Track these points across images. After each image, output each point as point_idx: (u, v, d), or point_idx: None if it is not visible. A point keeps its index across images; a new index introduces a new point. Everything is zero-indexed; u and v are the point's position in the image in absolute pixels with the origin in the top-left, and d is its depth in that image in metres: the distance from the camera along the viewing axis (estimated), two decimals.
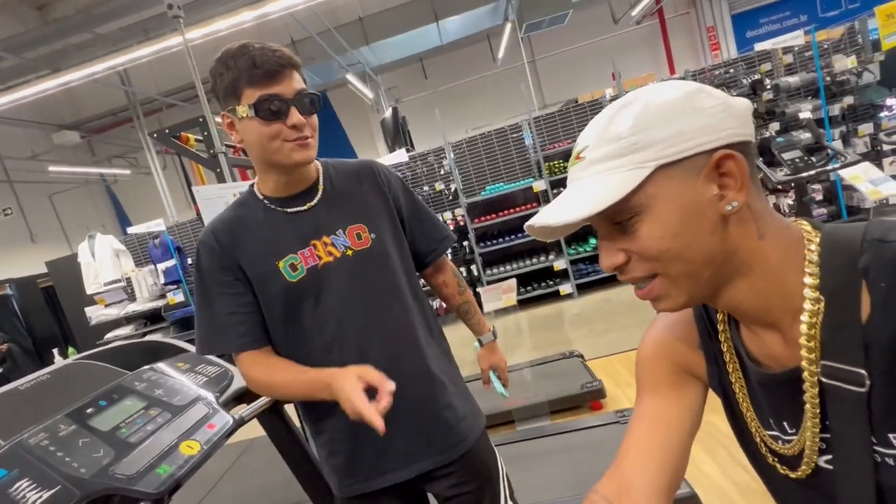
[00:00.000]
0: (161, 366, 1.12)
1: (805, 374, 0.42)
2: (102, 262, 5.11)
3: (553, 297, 4.79)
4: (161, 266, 5.00)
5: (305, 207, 0.92)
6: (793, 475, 0.46)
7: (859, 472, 0.40)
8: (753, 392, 0.49)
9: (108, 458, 0.79)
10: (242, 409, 1.15)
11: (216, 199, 1.97)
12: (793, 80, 4.30)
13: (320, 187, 0.94)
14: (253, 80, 0.82)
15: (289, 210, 0.92)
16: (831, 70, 4.32)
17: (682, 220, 0.42)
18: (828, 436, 0.43)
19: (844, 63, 4.28)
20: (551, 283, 4.78)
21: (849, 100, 4.27)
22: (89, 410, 0.88)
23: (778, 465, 0.48)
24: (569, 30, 7.48)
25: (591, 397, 2.49)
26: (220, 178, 2.12)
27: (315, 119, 0.88)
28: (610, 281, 4.77)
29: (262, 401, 1.21)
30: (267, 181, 0.92)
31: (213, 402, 1.06)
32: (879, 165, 3.87)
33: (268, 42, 0.85)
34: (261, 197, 0.93)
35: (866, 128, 4.34)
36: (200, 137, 2.20)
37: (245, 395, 1.21)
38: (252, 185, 0.96)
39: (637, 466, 0.54)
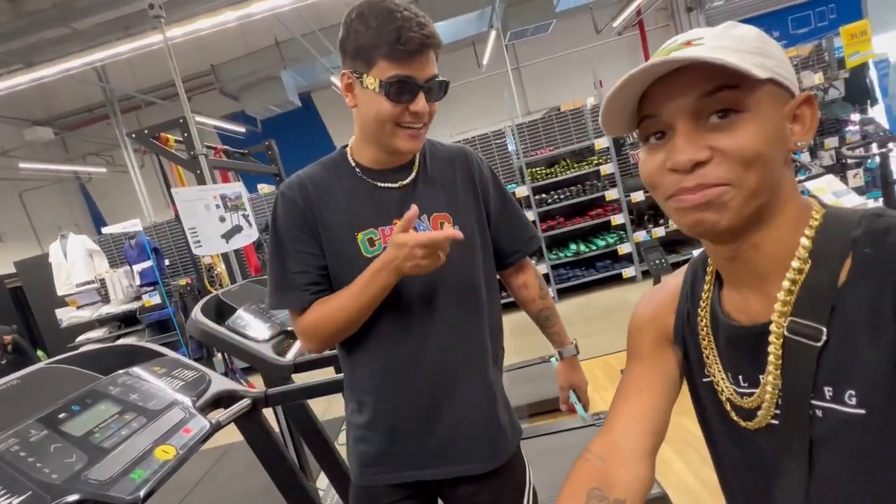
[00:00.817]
0: (136, 370, 1.10)
1: (773, 326, 0.44)
2: (75, 263, 4.96)
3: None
4: (137, 267, 4.88)
5: (397, 185, 0.88)
6: (744, 424, 0.49)
7: (798, 423, 0.43)
8: (719, 346, 0.52)
9: (81, 463, 0.78)
10: (220, 414, 1.14)
11: (196, 200, 1.95)
12: None
13: (416, 167, 0.90)
14: (392, 55, 0.76)
15: (379, 184, 0.88)
16: (800, 85, 4.49)
17: (775, 135, 0.43)
18: (782, 394, 0.45)
19: (812, 79, 4.48)
20: None
21: None
22: (61, 415, 0.87)
23: (735, 417, 0.50)
24: (552, 38, 7.61)
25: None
26: (201, 180, 2.10)
27: (436, 106, 0.84)
28: (589, 286, 4.86)
29: (240, 405, 1.20)
30: (364, 150, 0.89)
31: (189, 406, 1.05)
32: (843, 178, 4.06)
33: (414, 9, 0.78)
34: (353, 163, 0.89)
35: (832, 141, 4.54)
36: (181, 138, 2.18)
37: (222, 400, 1.20)
38: (345, 148, 0.92)
39: (624, 429, 0.58)
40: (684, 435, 2.12)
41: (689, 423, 2.19)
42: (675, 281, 0.61)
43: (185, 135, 2.13)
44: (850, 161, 4.19)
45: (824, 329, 0.42)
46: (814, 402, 0.42)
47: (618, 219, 4.69)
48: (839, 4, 9.03)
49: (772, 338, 0.45)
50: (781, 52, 0.45)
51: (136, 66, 7.30)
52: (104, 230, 4.67)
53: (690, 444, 2.04)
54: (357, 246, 0.86)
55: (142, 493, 0.79)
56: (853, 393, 0.40)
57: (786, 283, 0.44)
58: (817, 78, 4.47)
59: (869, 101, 4.65)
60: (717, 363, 0.52)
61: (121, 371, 1.07)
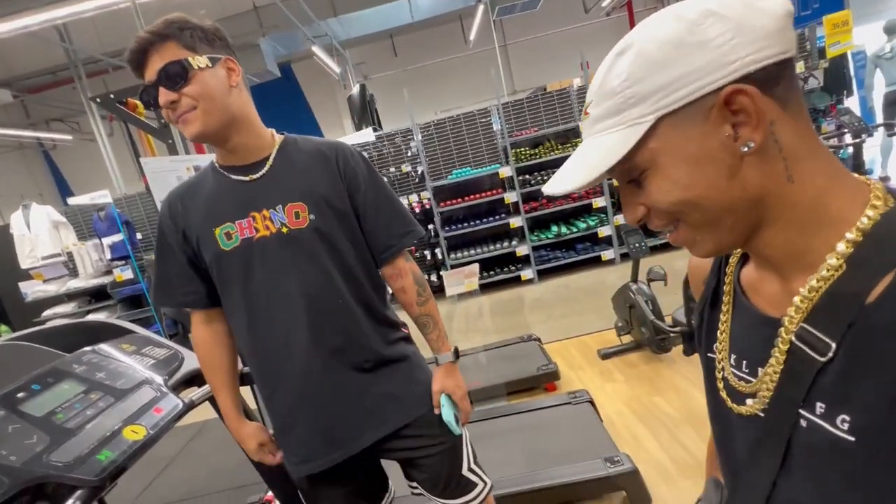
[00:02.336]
0: (103, 347, 1.06)
1: (783, 329, 0.41)
2: (39, 234, 4.74)
3: (514, 282, 4.89)
4: (107, 241, 4.69)
5: (248, 179, 0.93)
6: (730, 405, 0.48)
7: (780, 426, 0.42)
8: (733, 326, 0.49)
9: (42, 444, 0.75)
10: (193, 392, 1.12)
11: (167, 171, 1.86)
12: None
13: (269, 162, 0.93)
14: (133, 71, 0.86)
15: (233, 177, 0.93)
16: None
17: (690, 170, 0.39)
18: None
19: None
20: (513, 268, 4.87)
21: None
22: (20, 395, 0.83)
23: (725, 396, 0.49)
24: (540, 16, 7.48)
25: (547, 379, 2.58)
26: (172, 150, 2.00)
27: (192, 88, 0.83)
28: (569, 268, 4.92)
29: None
30: (216, 150, 0.95)
31: (161, 385, 1.02)
32: None
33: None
34: (216, 165, 0.96)
35: None
36: None
37: (196, 378, 1.17)
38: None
39: None
40: (656, 413, 2.20)
41: (661, 402, 2.26)
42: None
43: None
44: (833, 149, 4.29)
45: (833, 345, 0.38)
46: (802, 411, 0.40)
47: (599, 201, 4.72)
48: None
49: (778, 340, 0.42)
50: (683, 49, 0.37)
51: (101, 26, 6.85)
52: (70, 201, 4.46)
53: (662, 421, 2.12)
54: (215, 239, 0.91)
55: (109, 474, 0.77)
56: (846, 419, 0.37)
57: (806, 288, 0.39)
58: (798, 67, 4.52)
59: (845, 92, 4.75)
60: (726, 341, 0.49)
61: (87, 348, 1.03)
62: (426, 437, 1.00)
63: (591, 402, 2.11)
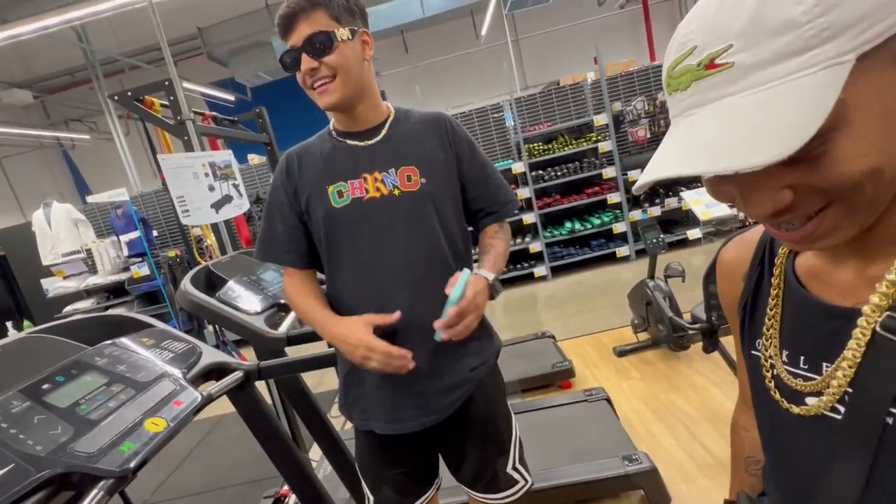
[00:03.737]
0: (124, 341, 1.07)
1: (863, 318, 0.36)
2: (59, 232, 4.84)
3: (528, 279, 4.85)
4: (124, 238, 4.78)
5: (363, 144, 0.96)
6: (786, 406, 0.43)
7: (868, 427, 0.37)
8: (784, 317, 0.44)
9: (67, 435, 0.75)
10: (211, 386, 1.12)
11: (184, 168, 1.88)
12: None
13: (385, 129, 0.98)
14: (280, 34, 0.89)
15: (349, 142, 0.97)
16: None
17: (885, 127, 0.31)
18: (850, 390, 0.38)
19: None
20: (526, 265, 4.84)
21: None
22: (45, 386, 0.84)
23: (778, 397, 0.44)
24: (553, 9, 7.38)
25: (561, 377, 2.56)
26: (188, 147, 2.01)
27: (333, 58, 0.88)
28: (583, 264, 4.87)
29: (232, 378, 1.18)
30: (334, 117, 0.99)
31: (179, 378, 1.03)
32: None
33: None
34: (332, 129, 1.00)
35: None
36: (167, 102, 2.08)
37: (214, 373, 1.18)
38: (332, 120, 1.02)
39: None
40: (674, 411, 2.17)
41: (679, 400, 2.22)
42: (759, 227, 0.49)
43: (171, 98, 2.04)
44: None
45: None
46: (891, 408, 0.36)
47: (614, 197, 4.66)
48: None
49: (857, 331, 0.36)
50: None
51: (118, 26, 6.97)
52: (89, 199, 4.54)
53: (680, 420, 2.08)
54: (328, 197, 0.94)
55: (132, 465, 0.77)
56: None
57: (894, 273, 0.34)
58: None
59: None
60: (776, 336, 0.44)
61: (108, 342, 1.04)
62: (482, 425, 1.02)
63: (608, 400, 2.08)
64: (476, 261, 1.05)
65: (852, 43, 0.29)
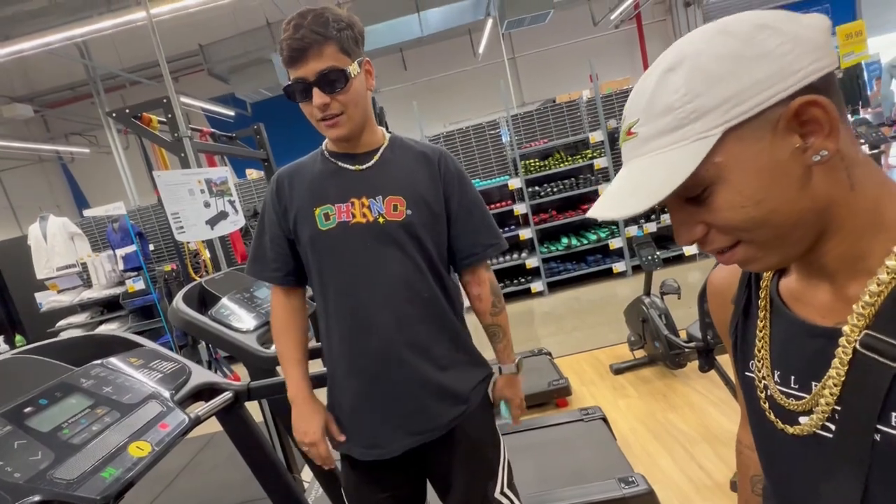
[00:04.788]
0: (112, 361, 1.06)
1: (843, 338, 0.39)
2: (55, 246, 4.82)
3: (524, 294, 4.84)
4: (120, 252, 4.76)
5: (354, 168, 0.97)
6: (781, 426, 0.45)
7: (858, 444, 0.39)
8: (773, 339, 0.47)
9: (47, 461, 0.74)
10: (200, 408, 1.10)
11: (179, 185, 1.88)
12: None
13: (377, 155, 0.98)
14: (287, 63, 0.88)
15: (341, 164, 0.97)
16: None
17: (762, 184, 0.37)
18: (838, 408, 0.40)
19: None
20: (523, 280, 4.83)
21: None
22: (27, 409, 0.82)
23: (773, 417, 0.46)
24: (549, 29, 7.52)
25: (558, 394, 2.53)
26: (185, 164, 2.02)
27: (344, 96, 0.89)
28: (580, 280, 4.87)
29: (221, 398, 1.16)
30: (332, 140, 0.99)
31: (167, 399, 1.01)
32: None
33: (312, 12, 0.86)
34: (325, 150, 1.00)
35: None
36: (164, 119, 2.09)
37: (203, 393, 1.16)
38: (326, 140, 1.02)
39: None
40: (671, 430, 2.14)
41: (676, 419, 2.19)
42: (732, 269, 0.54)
43: (169, 116, 2.05)
44: None
45: None
46: (880, 426, 0.37)
47: None
48: (834, 4, 9.07)
49: (839, 350, 0.39)
50: (744, 60, 0.36)
51: (120, 43, 7.06)
52: (86, 213, 4.54)
53: (678, 439, 2.06)
54: (314, 219, 0.95)
55: (113, 492, 0.75)
56: None
57: (868, 294, 0.37)
58: None
59: (860, 102, 4.68)
60: (767, 357, 0.47)
61: (95, 362, 1.02)
62: (469, 448, 1.01)
63: (604, 420, 2.05)
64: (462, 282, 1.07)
65: (719, 120, 0.37)
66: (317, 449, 1.00)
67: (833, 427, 0.40)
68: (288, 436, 1.80)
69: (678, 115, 0.38)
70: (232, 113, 8.09)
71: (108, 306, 5.04)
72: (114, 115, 2.02)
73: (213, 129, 2.60)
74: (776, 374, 0.46)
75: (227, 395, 1.18)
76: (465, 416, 0.99)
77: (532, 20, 6.25)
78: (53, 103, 8.25)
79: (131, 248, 4.68)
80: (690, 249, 4.66)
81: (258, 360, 1.42)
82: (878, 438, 0.37)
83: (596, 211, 0.43)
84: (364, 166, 0.97)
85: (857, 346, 0.38)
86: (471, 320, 1.08)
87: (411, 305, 0.95)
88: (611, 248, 4.76)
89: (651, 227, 4.71)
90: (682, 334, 2.42)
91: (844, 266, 0.41)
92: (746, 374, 0.50)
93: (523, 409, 1.11)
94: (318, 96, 0.87)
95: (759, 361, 0.47)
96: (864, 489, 0.39)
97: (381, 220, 0.94)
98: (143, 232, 5.05)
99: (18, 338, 5.34)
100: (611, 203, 0.42)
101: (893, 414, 0.37)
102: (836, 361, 0.39)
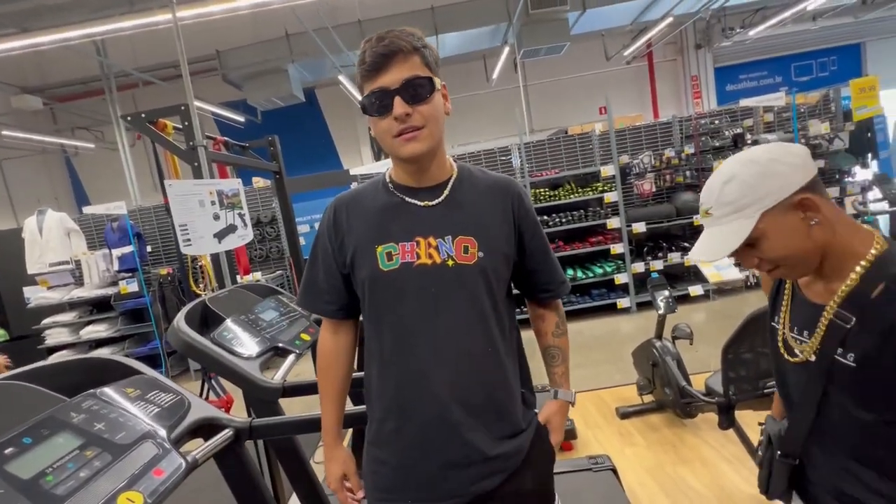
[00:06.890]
0: (106, 391, 0.96)
1: (827, 309, 0.75)
2: (50, 241, 4.71)
3: (525, 324, 4.75)
4: (116, 251, 4.65)
5: (422, 203, 0.89)
6: (786, 357, 0.83)
7: (824, 363, 0.75)
8: (792, 308, 0.84)
9: None
10: (197, 448, 1.01)
11: (190, 196, 1.81)
12: (771, 137, 4.49)
13: (447, 190, 0.90)
14: (365, 77, 0.83)
15: (407, 199, 0.90)
16: (806, 133, 4.54)
17: (786, 238, 0.73)
18: (819, 347, 0.76)
19: (819, 128, 4.52)
20: (525, 310, 4.75)
21: (819, 163, 4.50)
22: (8, 451, 0.73)
23: (783, 352, 0.84)
24: (562, 60, 7.62)
25: (564, 437, 2.43)
26: (197, 174, 1.95)
27: (427, 107, 0.82)
28: (583, 313, 4.79)
29: (221, 437, 1.07)
30: (396, 168, 0.92)
31: (163, 440, 0.92)
32: None
33: (389, 32, 0.82)
34: (388, 181, 0.93)
35: (832, 191, 4.58)
36: (180, 126, 2.03)
37: (202, 429, 1.07)
38: (388, 169, 0.96)
39: None
40: (681, 486, 2.04)
41: (687, 475, 2.09)
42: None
43: (186, 123, 1.99)
44: (859, 213, 4.21)
45: (854, 318, 0.71)
46: (835, 357, 0.73)
47: (617, 248, 4.64)
48: (840, 57, 9.29)
49: (823, 317, 0.75)
50: (766, 176, 0.72)
51: (138, 42, 7.09)
52: (86, 210, 4.44)
53: (689, 496, 1.95)
54: (375, 258, 0.87)
55: None
56: (853, 356, 0.71)
57: (843, 287, 0.73)
58: (824, 128, 4.51)
59: (870, 155, 4.72)
60: (787, 315, 0.84)
61: (87, 393, 0.93)
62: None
63: (614, 471, 1.95)
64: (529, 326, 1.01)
65: (757, 207, 0.73)
66: (340, 495, 0.98)
67: (814, 358, 0.77)
68: (281, 471, 1.68)
69: (735, 205, 0.74)
70: (242, 119, 8.09)
71: (98, 306, 4.90)
72: (129, 118, 1.96)
73: (226, 139, 2.55)
74: (790, 325, 0.83)
75: (228, 433, 1.08)
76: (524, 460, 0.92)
77: (548, 51, 6.34)
78: (64, 97, 8.22)
79: (128, 249, 4.58)
80: (696, 289, 4.62)
81: (260, 391, 1.32)
82: (833, 363, 0.73)
83: (693, 254, 0.80)
84: (434, 203, 0.89)
85: (832, 317, 0.74)
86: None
87: (472, 360, 0.87)
88: (616, 282, 4.70)
89: (658, 265, 4.67)
90: (698, 384, 2.33)
91: (832, 274, 0.76)
92: (772, 324, 0.87)
93: (561, 440, 1.04)
94: (399, 105, 0.80)
95: (781, 318, 0.85)
96: (823, 391, 0.76)
97: (449, 262, 0.86)
98: (141, 233, 4.96)
99: (1, 332, 5.17)
100: (702, 249, 0.79)
101: (840, 350, 0.72)
102: (821, 322, 0.75)
